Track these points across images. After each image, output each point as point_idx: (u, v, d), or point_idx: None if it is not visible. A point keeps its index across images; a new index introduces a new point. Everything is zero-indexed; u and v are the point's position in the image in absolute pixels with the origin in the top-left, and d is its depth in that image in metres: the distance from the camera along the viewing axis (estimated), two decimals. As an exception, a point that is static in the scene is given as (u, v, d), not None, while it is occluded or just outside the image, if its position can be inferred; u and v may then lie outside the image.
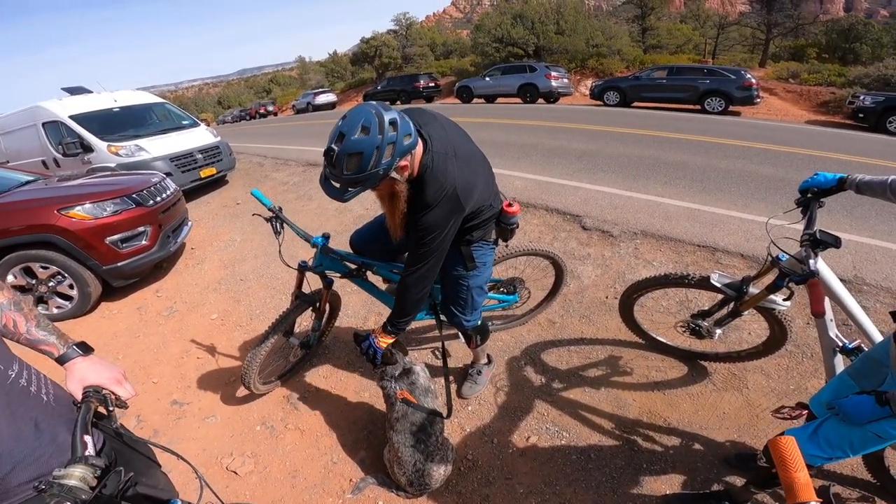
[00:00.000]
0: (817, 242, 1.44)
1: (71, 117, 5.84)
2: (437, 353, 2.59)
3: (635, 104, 14.00)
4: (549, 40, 22.63)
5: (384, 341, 1.75)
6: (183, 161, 6.09)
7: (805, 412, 1.56)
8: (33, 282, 3.25)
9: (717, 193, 4.47)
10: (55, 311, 3.33)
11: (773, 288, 1.60)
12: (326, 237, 2.04)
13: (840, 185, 1.51)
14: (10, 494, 0.75)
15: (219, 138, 6.95)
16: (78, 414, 0.84)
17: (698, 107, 12.83)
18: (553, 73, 15.42)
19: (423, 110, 1.60)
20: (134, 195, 3.54)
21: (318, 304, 2.19)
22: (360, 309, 3.08)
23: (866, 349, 1.50)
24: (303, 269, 2.07)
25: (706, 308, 2.00)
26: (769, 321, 1.96)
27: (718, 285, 1.81)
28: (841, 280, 2.78)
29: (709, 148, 6.64)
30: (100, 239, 3.26)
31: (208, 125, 8.67)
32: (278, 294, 3.41)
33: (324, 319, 2.34)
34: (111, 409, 0.92)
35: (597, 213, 4.01)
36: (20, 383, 0.82)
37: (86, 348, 0.98)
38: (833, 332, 1.63)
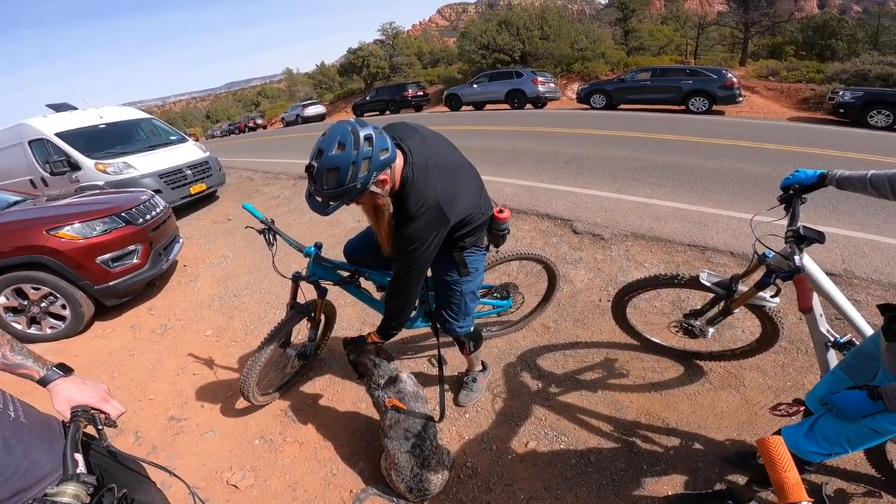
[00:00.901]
0: (801, 238, 1.46)
1: (57, 135, 5.80)
2: (433, 360, 2.60)
3: (621, 106, 14.14)
4: (535, 46, 22.88)
5: (374, 339, 1.83)
6: (172, 178, 6.06)
7: (802, 408, 1.55)
8: (25, 303, 3.20)
9: (705, 193, 4.54)
10: (49, 331, 3.29)
11: (761, 285, 1.62)
12: (319, 246, 2.05)
13: (821, 181, 1.53)
14: None
15: (208, 153, 6.93)
16: (67, 433, 0.85)
17: (683, 107, 13.00)
18: (540, 79, 15.56)
19: (404, 124, 1.63)
20: (123, 213, 3.52)
21: (313, 314, 2.19)
22: (355, 321, 3.07)
23: (858, 343, 1.51)
24: (297, 279, 2.08)
25: (698, 307, 2.02)
26: (760, 318, 1.99)
27: (708, 284, 1.83)
28: (831, 275, 2.85)
29: (695, 148, 6.74)
30: (90, 258, 3.23)
31: (197, 140, 8.63)
32: (272, 309, 3.39)
33: (319, 330, 2.35)
34: (100, 427, 0.93)
35: (587, 216, 4.05)
36: None
37: (65, 369, 0.99)
38: (824, 327, 1.65)
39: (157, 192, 5.17)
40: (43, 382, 0.95)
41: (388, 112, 20.72)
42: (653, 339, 2.46)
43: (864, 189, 1.39)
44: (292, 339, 2.26)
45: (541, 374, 2.42)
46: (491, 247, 1.95)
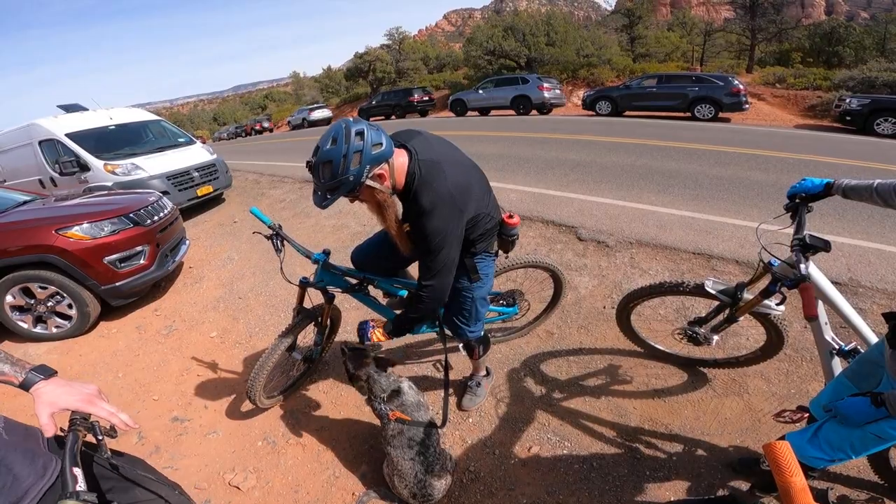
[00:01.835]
0: (807, 247, 1.46)
1: (67, 135, 5.87)
2: (438, 365, 2.60)
3: (627, 113, 14.13)
4: (541, 52, 22.91)
5: (380, 336, 1.84)
6: (180, 179, 6.11)
7: (806, 415, 1.56)
8: (32, 302, 3.24)
9: (710, 200, 4.53)
10: (54, 330, 3.32)
11: (767, 293, 1.62)
12: (327, 253, 2.06)
13: (827, 191, 1.53)
14: None
15: (215, 156, 6.99)
16: (65, 444, 0.80)
17: (688, 114, 12.96)
18: (545, 85, 15.56)
19: (410, 129, 1.66)
20: (131, 214, 3.55)
21: (319, 319, 2.20)
22: None
23: (862, 351, 1.51)
24: (304, 285, 2.09)
25: (703, 315, 2.01)
26: (765, 326, 1.98)
27: (713, 292, 1.83)
28: (836, 283, 2.83)
29: (700, 155, 6.73)
30: (98, 259, 3.26)
31: (204, 142, 8.71)
32: (277, 311, 3.41)
33: (325, 334, 2.35)
34: (100, 437, 0.87)
35: (592, 223, 4.04)
36: None
37: (47, 370, 0.92)
38: (829, 335, 1.65)
39: (165, 193, 5.21)
40: (24, 387, 0.88)
41: (393, 116, 20.79)
42: (657, 346, 2.45)
43: (870, 198, 1.38)
44: (298, 343, 2.27)
45: (544, 379, 2.42)
46: (500, 253, 1.96)
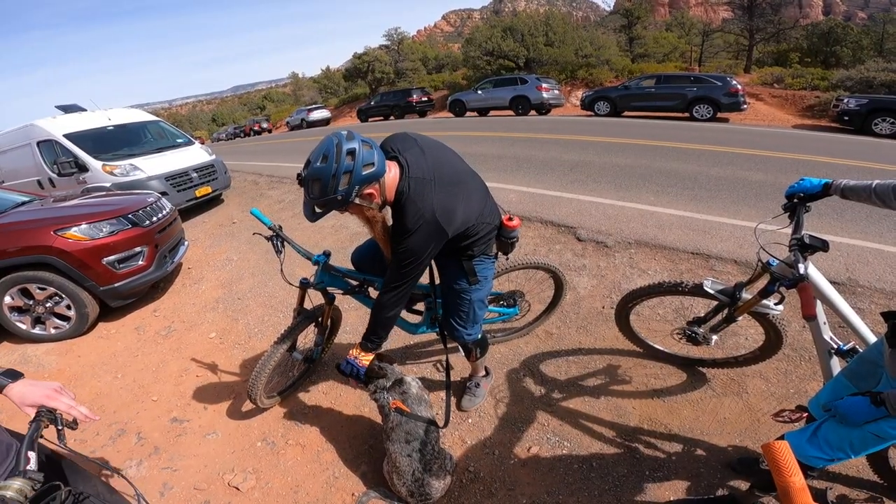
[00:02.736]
0: (805, 247, 1.47)
1: (65, 136, 5.86)
2: (439, 366, 2.60)
3: (625, 114, 14.15)
4: (539, 52, 22.94)
5: (365, 359, 1.79)
6: (178, 180, 6.11)
7: (805, 415, 1.56)
8: (31, 303, 3.23)
9: (709, 201, 4.53)
10: (53, 331, 3.31)
11: (765, 293, 1.63)
12: (327, 255, 2.06)
13: (825, 191, 1.53)
14: None
15: (214, 156, 6.98)
16: (27, 433, 0.91)
17: (687, 114, 12.98)
18: (544, 85, 15.57)
19: (405, 135, 1.63)
20: (130, 215, 3.55)
21: (320, 320, 2.21)
22: (359, 325, 3.08)
23: (861, 350, 1.52)
24: (304, 286, 2.09)
25: (702, 315, 2.02)
26: (764, 326, 1.98)
27: (712, 292, 1.84)
28: (835, 283, 2.84)
29: (699, 155, 6.74)
30: (97, 260, 3.26)
31: (203, 143, 8.71)
32: (276, 312, 3.41)
33: (325, 335, 2.36)
34: (60, 427, 0.97)
35: (591, 223, 4.05)
36: None
37: (14, 374, 1.03)
38: (827, 334, 1.65)
39: (164, 194, 5.21)
40: None
41: (392, 117, 20.75)
42: (656, 346, 2.46)
43: (868, 199, 1.39)
44: (299, 343, 2.27)
45: (544, 379, 2.43)
46: (500, 255, 1.96)
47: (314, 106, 28.43)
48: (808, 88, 17.68)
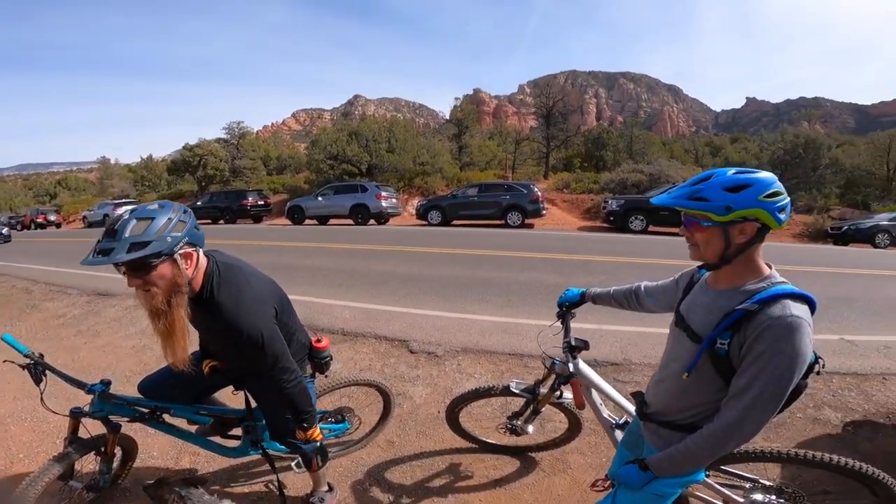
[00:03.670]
0: (573, 348, 1.83)
1: None
2: (269, 485, 2.30)
3: (454, 222, 15.39)
4: (381, 158, 23.32)
5: (317, 434, 1.76)
6: None
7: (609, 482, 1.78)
8: None
9: (520, 305, 5.23)
10: None
11: (554, 388, 1.93)
12: (106, 384, 1.76)
13: (582, 299, 1.90)
14: None
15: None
16: None
17: (503, 221, 14.77)
18: (383, 194, 16.13)
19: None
20: None
21: (103, 449, 1.82)
22: (170, 449, 2.57)
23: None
24: (77, 415, 1.74)
25: (518, 409, 2.27)
26: (564, 412, 2.33)
27: (517, 391, 2.10)
28: (614, 363, 3.50)
29: (510, 262, 7.85)
30: None
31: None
32: (49, 437, 2.75)
33: (115, 463, 1.96)
34: None
35: (422, 336, 4.28)
36: None
37: None
38: (605, 412, 1.97)
39: None
40: None
41: (222, 221, 18.81)
42: (488, 440, 2.63)
43: (610, 303, 1.78)
44: (77, 470, 1.87)
45: (390, 487, 2.36)
46: (317, 374, 1.95)
47: (124, 200, 24.77)
48: (586, 192, 20.58)
